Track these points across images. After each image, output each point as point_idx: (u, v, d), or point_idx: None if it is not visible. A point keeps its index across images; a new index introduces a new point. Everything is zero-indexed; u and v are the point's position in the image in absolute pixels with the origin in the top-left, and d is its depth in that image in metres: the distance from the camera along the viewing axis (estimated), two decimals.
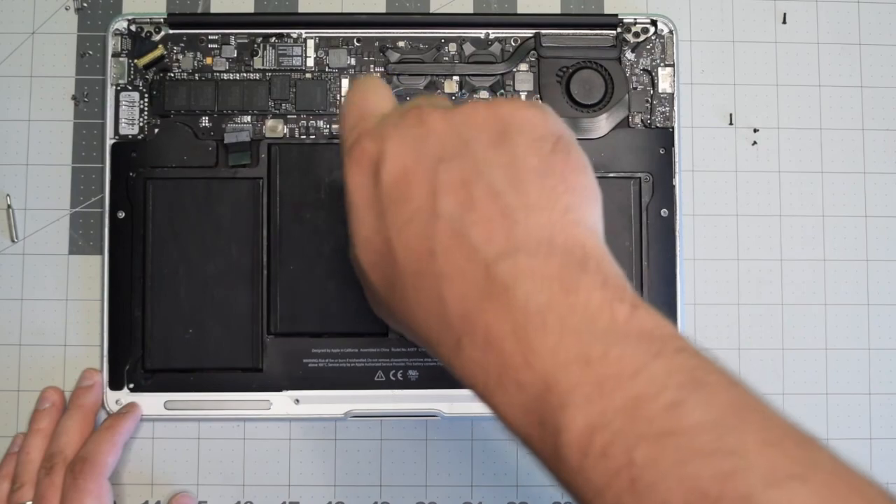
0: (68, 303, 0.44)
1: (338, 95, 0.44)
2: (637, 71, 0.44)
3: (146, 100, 0.43)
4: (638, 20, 0.44)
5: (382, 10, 0.45)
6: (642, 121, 0.44)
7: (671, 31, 0.44)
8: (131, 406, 0.42)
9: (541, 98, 0.44)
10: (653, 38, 0.44)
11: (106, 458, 0.41)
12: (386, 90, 0.30)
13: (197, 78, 0.44)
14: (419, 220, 0.26)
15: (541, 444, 0.23)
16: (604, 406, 0.22)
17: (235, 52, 0.44)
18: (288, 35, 0.44)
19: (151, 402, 0.43)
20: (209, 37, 0.44)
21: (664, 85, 0.44)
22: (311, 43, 0.44)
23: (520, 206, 0.25)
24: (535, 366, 0.23)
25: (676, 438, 0.21)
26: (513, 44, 0.44)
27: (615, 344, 0.23)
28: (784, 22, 0.46)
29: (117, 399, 0.42)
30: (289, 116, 0.44)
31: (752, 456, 0.20)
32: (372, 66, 0.44)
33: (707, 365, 0.23)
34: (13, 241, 0.44)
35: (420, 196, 0.26)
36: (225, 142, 0.43)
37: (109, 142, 0.43)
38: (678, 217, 0.43)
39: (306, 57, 0.44)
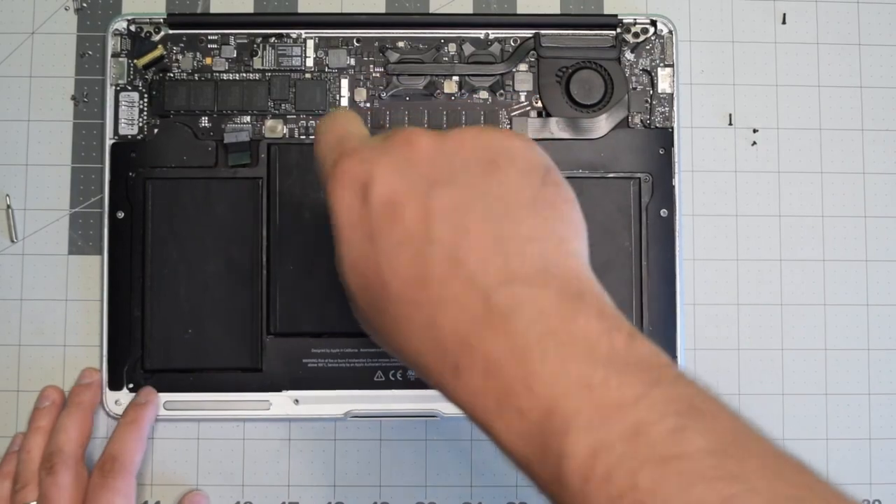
0: (68, 303, 0.44)
1: (337, 96, 0.44)
2: (636, 71, 0.44)
3: (146, 100, 0.43)
4: (637, 20, 0.44)
5: (382, 10, 0.45)
6: (642, 121, 0.44)
7: (671, 32, 0.44)
8: (149, 393, 0.42)
9: (540, 98, 0.44)
10: (652, 38, 0.44)
11: (134, 455, 0.41)
12: (359, 119, 0.30)
13: (196, 78, 0.44)
14: (412, 244, 0.25)
15: (541, 469, 0.23)
16: (606, 431, 0.22)
17: (235, 52, 0.44)
18: (287, 35, 0.44)
19: None
20: (209, 37, 0.44)
21: (664, 85, 0.44)
22: (310, 43, 0.44)
23: (514, 236, 0.25)
24: (537, 391, 0.23)
25: (680, 463, 0.21)
26: (512, 44, 0.44)
27: (615, 371, 0.23)
28: (784, 22, 0.46)
29: (117, 399, 0.42)
30: (288, 116, 0.44)
31: (754, 480, 0.21)
32: (371, 65, 0.44)
33: (704, 394, 0.23)
34: (13, 241, 0.44)
35: (412, 219, 0.25)
36: (224, 142, 0.43)
37: (109, 142, 0.43)
38: (678, 217, 0.43)
39: (306, 57, 0.44)
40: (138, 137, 0.43)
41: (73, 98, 0.45)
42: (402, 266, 0.25)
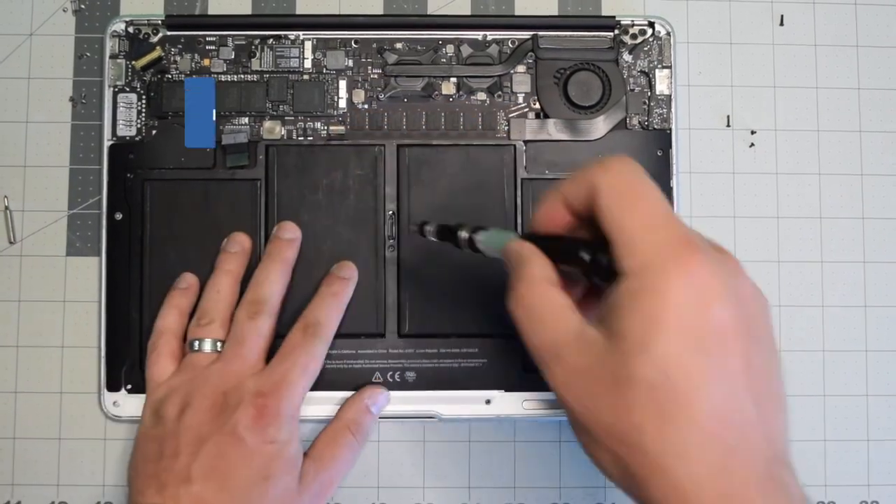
0: (66, 304, 0.44)
1: (335, 97, 0.44)
2: (634, 73, 0.44)
3: (144, 101, 0.43)
4: (635, 22, 0.44)
5: (380, 11, 0.45)
6: (640, 122, 0.44)
7: (668, 33, 0.44)
8: (350, 270, 0.42)
9: (538, 100, 0.44)
10: (650, 39, 0.44)
11: (335, 326, 0.41)
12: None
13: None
14: (731, 385, 0.26)
15: None
16: None
17: (233, 53, 0.44)
18: (285, 37, 0.44)
19: None
20: (207, 38, 0.44)
21: (661, 87, 0.44)
22: (308, 44, 0.44)
23: (784, 407, 0.28)
24: None
25: None
26: (510, 45, 0.44)
27: None
28: (781, 24, 0.46)
29: (115, 400, 0.42)
30: (286, 118, 0.44)
31: None
32: (369, 67, 0.44)
33: None
34: (11, 242, 0.44)
35: (736, 362, 0.26)
36: (223, 143, 0.43)
37: (107, 143, 0.43)
38: None
39: (304, 58, 0.44)
40: (136, 139, 0.43)
41: (72, 99, 0.45)
42: (719, 399, 0.26)
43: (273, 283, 0.41)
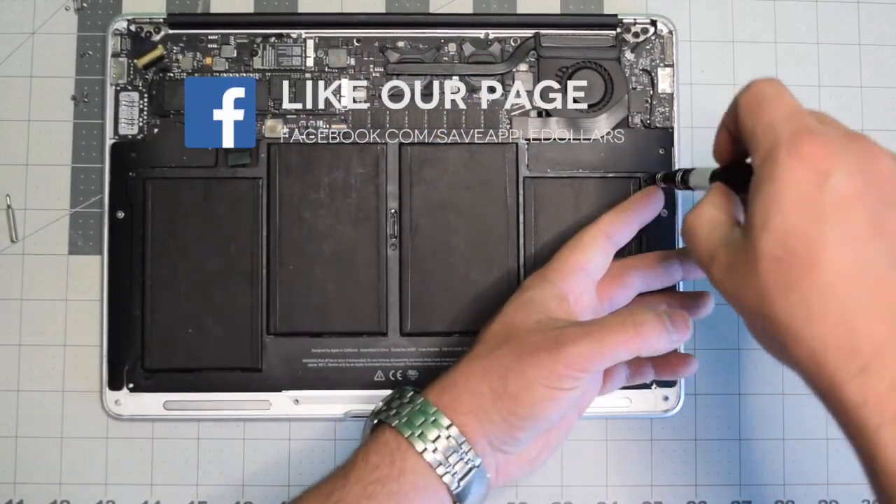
0: (68, 303, 0.44)
1: (337, 96, 0.44)
2: (636, 71, 0.44)
3: (146, 100, 0.43)
4: (637, 20, 0.44)
5: (382, 10, 0.45)
6: (642, 121, 0.44)
7: (671, 32, 0.44)
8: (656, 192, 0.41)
9: (540, 98, 0.44)
10: (652, 38, 0.44)
11: None
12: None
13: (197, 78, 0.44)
14: (857, 246, 0.27)
15: None
16: None
17: (235, 52, 0.44)
18: (287, 35, 0.44)
19: (151, 403, 0.42)
20: (209, 37, 0.44)
21: (664, 85, 0.44)
22: (310, 43, 0.44)
23: None
24: None
25: None
26: (512, 44, 0.44)
27: None
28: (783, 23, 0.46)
29: (117, 399, 0.42)
30: (288, 116, 0.44)
31: None
32: (371, 65, 0.44)
33: None
34: (13, 241, 0.44)
35: (862, 227, 0.28)
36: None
37: (109, 142, 0.43)
38: (678, 217, 0.43)
39: (306, 57, 0.44)
40: (138, 137, 0.43)
41: (74, 98, 0.45)
42: (842, 260, 0.27)
43: None
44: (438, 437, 0.34)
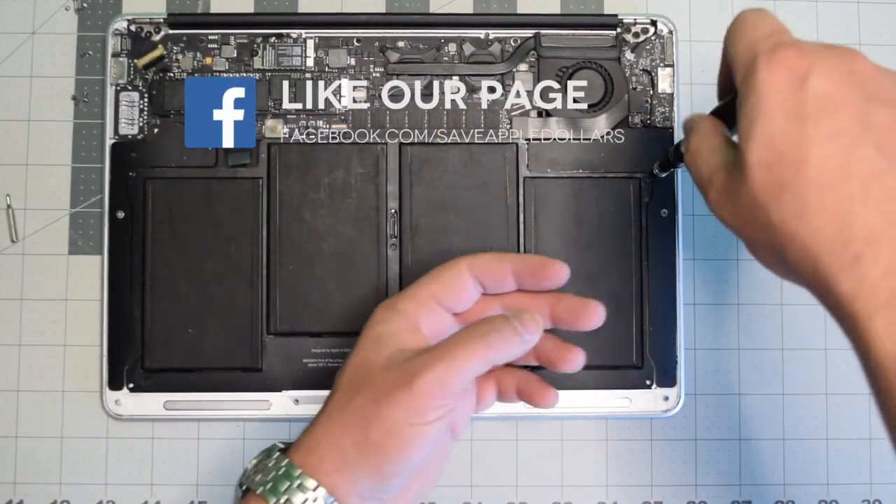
0: (68, 303, 0.44)
1: (337, 96, 0.44)
2: (637, 71, 0.44)
3: (146, 100, 0.43)
4: (637, 20, 0.44)
5: (382, 10, 0.45)
6: (642, 121, 0.44)
7: (671, 32, 0.44)
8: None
9: (540, 98, 0.44)
10: (652, 38, 0.44)
11: None
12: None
13: (197, 78, 0.44)
14: (843, 140, 0.28)
15: None
16: None
17: (235, 52, 0.44)
18: (288, 35, 0.44)
19: (151, 403, 0.42)
20: (209, 37, 0.44)
21: (664, 85, 0.44)
22: (310, 43, 0.44)
23: None
24: None
25: None
26: (512, 44, 0.44)
27: None
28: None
29: (117, 399, 0.42)
30: (288, 116, 0.44)
31: None
32: (372, 65, 0.44)
33: None
34: (13, 241, 0.44)
35: (846, 120, 0.28)
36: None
37: (109, 142, 0.43)
38: (678, 217, 0.43)
39: (306, 57, 0.44)
40: (138, 137, 0.43)
41: (74, 98, 0.45)
42: (830, 154, 0.28)
43: None
44: (306, 500, 0.32)
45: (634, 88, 0.44)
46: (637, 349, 0.43)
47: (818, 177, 0.28)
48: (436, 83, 0.44)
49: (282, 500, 0.32)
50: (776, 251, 0.30)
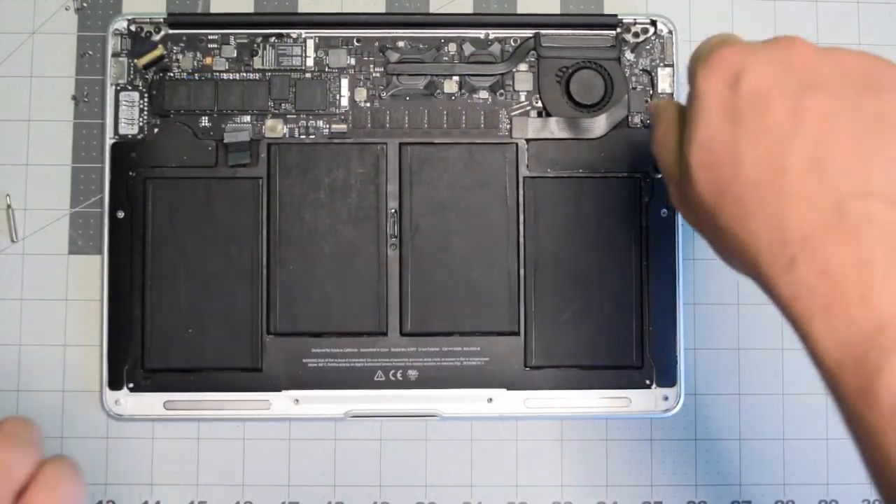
0: (68, 303, 0.44)
1: (337, 95, 0.44)
2: (637, 71, 0.44)
3: (146, 99, 0.43)
4: (637, 20, 0.44)
5: (382, 10, 0.45)
6: (642, 121, 0.44)
7: (671, 32, 0.44)
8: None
9: (540, 98, 0.44)
10: (652, 38, 0.44)
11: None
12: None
13: (197, 78, 0.44)
14: (776, 135, 0.27)
15: (851, 378, 0.25)
16: None
17: (235, 51, 0.44)
18: (288, 35, 0.44)
19: (151, 402, 0.42)
20: (209, 37, 0.44)
21: (664, 85, 0.44)
22: (310, 43, 0.44)
23: (880, 154, 0.27)
24: (873, 305, 0.25)
25: None
26: (512, 44, 0.44)
27: None
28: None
29: (117, 399, 0.42)
30: (288, 116, 0.44)
31: None
32: (372, 65, 0.44)
33: None
34: (13, 241, 0.44)
35: (780, 113, 0.27)
36: (225, 141, 0.43)
37: (109, 141, 0.43)
38: (678, 217, 0.43)
39: (306, 57, 0.44)
40: (138, 137, 0.43)
41: (74, 98, 0.45)
42: (762, 151, 0.27)
43: None
44: None
45: (634, 88, 0.44)
46: (637, 349, 0.43)
47: (753, 176, 0.27)
48: (436, 83, 0.44)
49: None
50: (728, 251, 0.29)
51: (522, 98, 0.44)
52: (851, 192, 0.26)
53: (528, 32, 0.44)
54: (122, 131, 0.43)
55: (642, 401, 0.43)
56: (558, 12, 0.45)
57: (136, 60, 0.43)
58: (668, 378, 0.43)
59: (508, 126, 0.44)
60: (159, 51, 0.43)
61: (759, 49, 0.28)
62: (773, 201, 0.27)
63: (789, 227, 0.26)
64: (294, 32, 0.44)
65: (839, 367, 0.25)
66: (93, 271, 0.44)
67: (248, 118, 0.43)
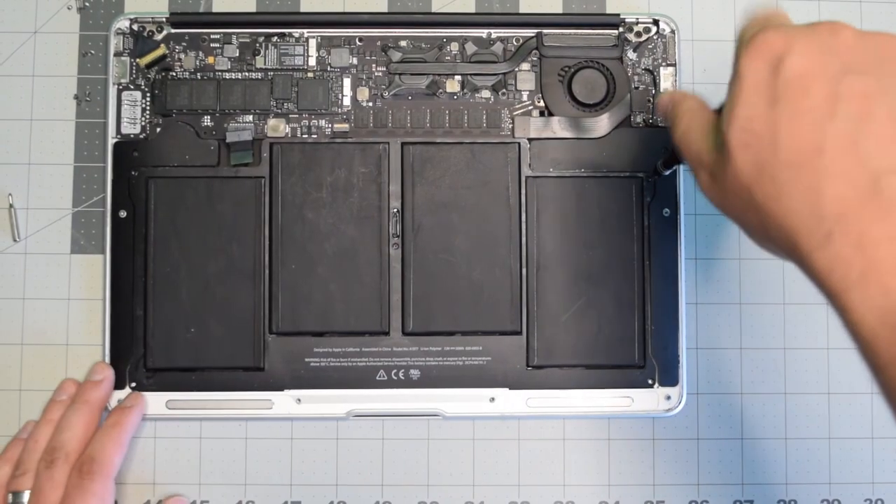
0: (70, 302, 0.44)
1: (339, 95, 0.44)
2: (639, 70, 0.44)
3: (148, 99, 0.43)
4: (640, 20, 0.44)
5: (384, 9, 0.45)
6: (644, 120, 0.44)
7: (673, 31, 0.44)
8: (135, 398, 0.42)
9: (543, 97, 0.44)
10: (654, 37, 0.44)
11: (113, 458, 0.40)
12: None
13: (199, 77, 0.44)
14: (814, 116, 0.28)
15: (888, 346, 0.26)
16: None
17: (237, 51, 0.44)
18: (290, 34, 0.44)
19: (153, 402, 0.43)
20: (211, 36, 0.44)
21: (666, 84, 0.44)
22: (313, 42, 0.44)
23: None
24: None
25: None
26: (515, 43, 0.44)
27: None
28: None
29: (119, 398, 0.42)
30: (291, 116, 0.44)
31: None
32: (374, 65, 0.44)
33: None
34: (15, 240, 0.44)
35: (819, 95, 0.28)
36: (227, 141, 0.43)
37: (111, 141, 0.43)
38: (680, 216, 0.43)
39: (308, 56, 0.44)
40: (141, 136, 0.43)
41: (76, 97, 0.45)
42: (801, 132, 0.28)
43: (72, 427, 0.41)
44: None
45: (636, 88, 0.44)
46: (639, 348, 0.43)
47: (791, 156, 0.28)
48: (438, 82, 0.44)
49: None
50: (764, 231, 0.30)
51: (525, 97, 0.44)
52: (886, 169, 0.27)
53: (531, 32, 0.44)
54: (124, 131, 0.43)
55: (644, 400, 0.43)
56: (560, 11, 0.45)
57: (138, 60, 0.43)
58: (670, 377, 0.43)
59: (510, 125, 0.44)
60: (161, 50, 0.43)
61: (802, 34, 0.29)
62: (810, 180, 0.28)
63: (826, 204, 0.27)
64: (296, 32, 0.44)
65: (875, 336, 0.26)
66: (95, 271, 0.44)
67: (250, 118, 0.43)
